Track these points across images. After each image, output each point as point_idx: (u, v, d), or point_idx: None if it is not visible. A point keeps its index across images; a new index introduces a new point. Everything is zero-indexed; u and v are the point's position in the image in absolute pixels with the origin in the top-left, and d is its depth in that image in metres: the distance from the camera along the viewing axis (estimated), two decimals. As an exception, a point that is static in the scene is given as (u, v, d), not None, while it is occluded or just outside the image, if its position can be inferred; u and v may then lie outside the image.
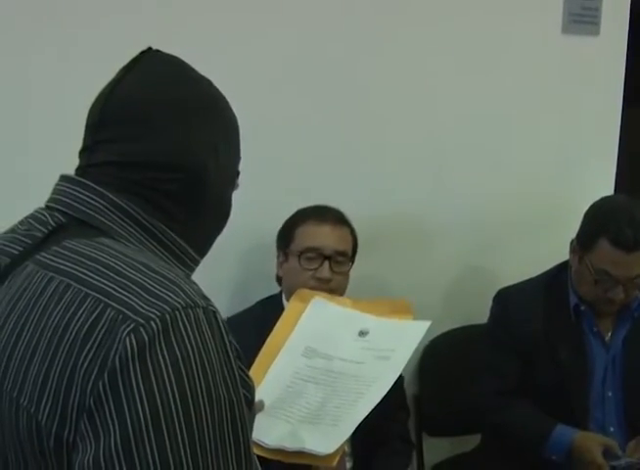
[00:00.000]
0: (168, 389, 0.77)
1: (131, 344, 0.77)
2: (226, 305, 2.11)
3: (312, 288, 1.83)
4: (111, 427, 0.76)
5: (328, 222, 1.93)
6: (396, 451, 2.00)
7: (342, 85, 2.18)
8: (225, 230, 1.88)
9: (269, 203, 2.11)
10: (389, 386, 1.47)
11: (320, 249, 1.90)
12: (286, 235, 1.97)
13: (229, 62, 2.01)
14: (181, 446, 0.76)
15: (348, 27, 2.15)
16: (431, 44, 2.28)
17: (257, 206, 2.10)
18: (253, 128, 2.01)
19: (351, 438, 1.87)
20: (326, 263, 1.89)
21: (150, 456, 0.75)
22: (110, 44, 1.78)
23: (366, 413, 1.44)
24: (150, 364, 0.77)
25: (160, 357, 0.77)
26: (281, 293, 2.00)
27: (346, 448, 1.90)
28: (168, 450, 0.76)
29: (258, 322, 1.76)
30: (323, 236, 1.91)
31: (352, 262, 1.97)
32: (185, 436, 0.77)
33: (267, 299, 2.03)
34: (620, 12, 2.56)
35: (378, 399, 1.45)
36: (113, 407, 0.76)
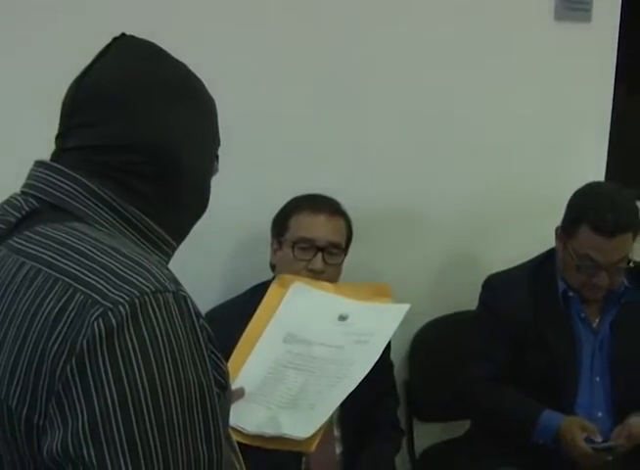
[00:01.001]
0: (136, 372, 0.77)
1: (99, 328, 0.77)
2: (220, 293, 2.12)
3: None
4: (78, 411, 0.76)
5: (323, 213, 1.92)
6: (386, 437, 2.02)
7: (338, 75, 2.17)
8: (219, 218, 1.89)
9: (263, 190, 2.12)
10: (368, 369, 1.47)
11: (314, 240, 1.89)
12: (280, 223, 1.96)
13: (229, 53, 2.01)
14: (149, 428, 0.77)
15: (343, 20, 2.15)
16: (423, 32, 2.28)
17: (252, 193, 2.11)
18: (248, 117, 2.04)
19: (341, 424, 1.91)
20: (319, 255, 1.88)
21: (117, 439, 0.76)
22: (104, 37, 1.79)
23: (344, 397, 1.45)
24: (118, 348, 0.77)
25: (129, 341, 0.78)
26: (273, 279, 2.00)
27: (336, 434, 1.92)
28: (136, 433, 0.76)
29: (250, 308, 1.76)
30: (317, 227, 1.90)
31: (346, 254, 1.96)
32: (153, 419, 0.77)
33: (259, 285, 2.03)
34: (612, -2, 2.56)
35: (356, 383, 1.45)
36: (80, 391, 0.77)
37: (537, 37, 2.45)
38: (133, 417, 0.77)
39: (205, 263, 2.07)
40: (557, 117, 2.54)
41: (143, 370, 0.77)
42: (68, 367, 0.77)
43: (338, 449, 1.92)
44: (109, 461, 0.76)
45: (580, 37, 2.52)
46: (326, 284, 1.78)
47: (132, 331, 0.78)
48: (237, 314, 1.74)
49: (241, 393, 1.43)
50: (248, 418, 1.43)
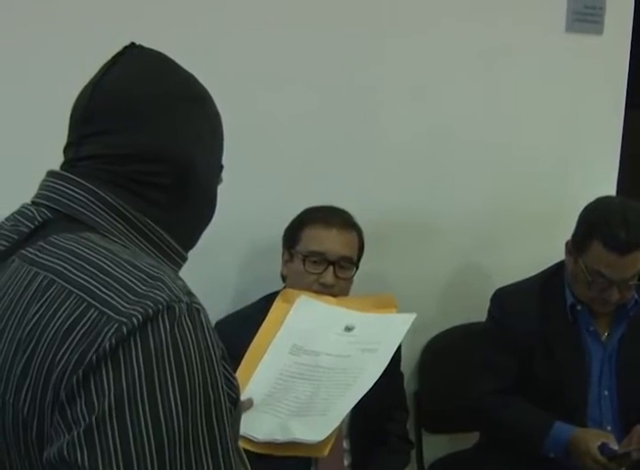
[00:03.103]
0: (137, 382, 0.76)
1: (110, 342, 0.77)
2: (230, 302, 2.13)
3: (315, 292, 1.82)
4: (80, 419, 0.76)
5: (335, 226, 1.91)
6: (395, 450, 2.01)
7: (345, 84, 2.18)
8: (230, 227, 1.90)
9: (274, 201, 2.13)
10: (377, 377, 1.47)
11: (325, 253, 1.88)
12: (292, 235, 1.96)
13: (234, 61, 2.02)
14: (145, 439, 0.76)
15: (350, 25, 2.16)
16: (434, 42, 2.29)
17: (263, 203, 2.12)
18: (260, 128, 2.05)
19: (350, 436, 1.91)
20: (330, 269, 1.87)
21: (112, 447, 0.75)
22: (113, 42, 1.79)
23: (354, 403, 1.44)
24: (122, 357, 0.77)
25: (133, 350, 0.77)
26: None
27: (345, 445, 1.91)
28: (132, 443, 0.76)
29: (261, 318, 1.76)
30: (329, 241, 1.89)
31: (357, 267, 1.95)
32: (150, 429, 0.76)
33: (270, 295, 2.03)
34: (624, 11, 2.56)
35: (365, 390, 1.44)
36: (83, 401, 0.76)
37: (548, 49, 2.46)
38: (129, 426, 0.76)
39: (215, 273, 2.07)
40: (568, 130, 2.54)
41: (144, 380, 0.77)
42: (75, 378, 0.77)
43: (346, 461, 1.91)
44: (101, 468, 0.75)
45: (592, 49, 2.53)
46: (330, 298, 1.78)
47: (138, 340, 0.77)
48: (250, 322, 1.73)
49: (249, 403, 1.42)
50: (257, 427, 1.42)
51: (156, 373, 0.77)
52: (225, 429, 0.83)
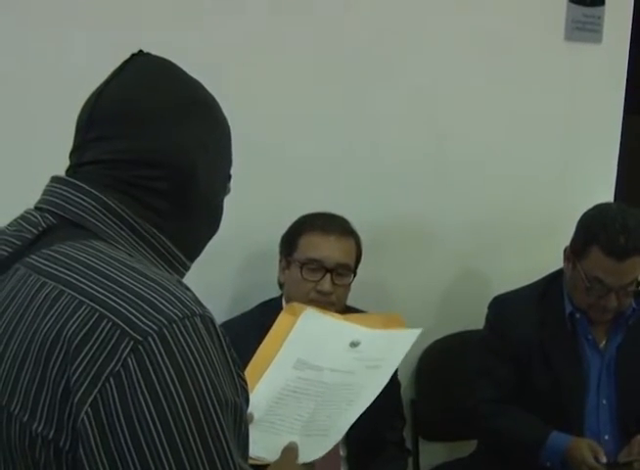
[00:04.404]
0: (178, 404, 0.76)
1: (126, 362, 0.76)
2: (227, 309, 2.12)
3: (313, 300, 1.82)
4: (99, 442, 0.76)
5: (333, 233, 1.90)
6: (392, 458, 2.01)
7: (344, 90, 2.19)
8: (226, 233, 1.89)
9: (271, 206, 2.12)
10: (378, 392, 1.44)
11: (322, 261, 1.87)
12: (289, 242, 1.95)
13: (233, 65, 2.02)
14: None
15: (350, 32, 2.17)
16: (434, 48, 2.29)
17: (260, 209, 2.11)
18: (258, 133, 2.04)
19: (347, 443, 1.90)
20: (327, 276, 1.87)
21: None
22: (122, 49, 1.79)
23: (354, 419, 1.43)
24: (157, 384, 0.76)
25: (167, 376, 0.77)
26: (281, 296, 1.99)
27: (342, 453, 1.90)
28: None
29: (258, 325, 1.74)
30: (327, 248, 1.89)
31: (355, 274, 1.95)
32: (169, 454, 0.76)
33: (268, 302, 2.02)
34: (623, 20, 2.57)
35: (365, 406, 1.42)
36: (103, 421, 0.76)
37: (548, 58, 2.47)
38: (147, 451, 0.76)
39: (212, 279, 2.06)
40: (567, 137, 2.54)
41: (184, 398, 0.77)
42: (98, 396, 0.76)
43: (343, 469, 1.90)
44: None
45: (591, 57, 2.53)
46: (336, 315, 1.75)
47: (169, 364, 0.77)
48: (248, 331, 1.72)
49: (250, 418, 1.41)
50: (256, 445, 1.40)
51: (193, 393, 0.77)
52: (248, 434, 0.86)
